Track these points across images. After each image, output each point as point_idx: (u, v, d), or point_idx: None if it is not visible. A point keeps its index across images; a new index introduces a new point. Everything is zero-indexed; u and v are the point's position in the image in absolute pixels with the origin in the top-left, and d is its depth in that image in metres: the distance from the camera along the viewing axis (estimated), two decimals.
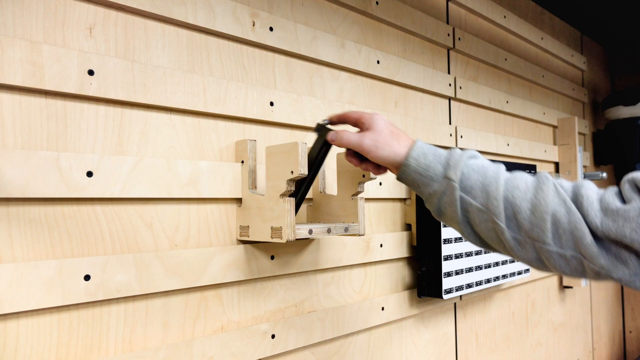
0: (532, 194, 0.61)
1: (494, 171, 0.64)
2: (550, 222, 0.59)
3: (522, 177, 0.63)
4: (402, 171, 0.68)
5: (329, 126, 0.75)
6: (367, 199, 1.03)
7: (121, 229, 0.67)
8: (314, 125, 0.79)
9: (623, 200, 0.57)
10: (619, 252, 0.56)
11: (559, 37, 1.88)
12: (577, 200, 0.58)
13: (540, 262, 0.62)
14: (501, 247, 0.65)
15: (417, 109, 1.20)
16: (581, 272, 0.59)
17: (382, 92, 1.10)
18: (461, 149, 0.70)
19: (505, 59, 1.51)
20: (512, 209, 0.61)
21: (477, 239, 0.67)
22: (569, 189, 0.60)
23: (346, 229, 0.80)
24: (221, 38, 0.81)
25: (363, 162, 0.73)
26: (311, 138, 0.93)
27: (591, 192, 0.58)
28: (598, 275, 0.58)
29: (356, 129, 0.74)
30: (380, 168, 0.74)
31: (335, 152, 0.96)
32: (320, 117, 0.93)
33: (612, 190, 0.59)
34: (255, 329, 0.80)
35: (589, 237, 0.56)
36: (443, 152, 0.67)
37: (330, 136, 0.73)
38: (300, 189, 0.76)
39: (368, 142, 0.69)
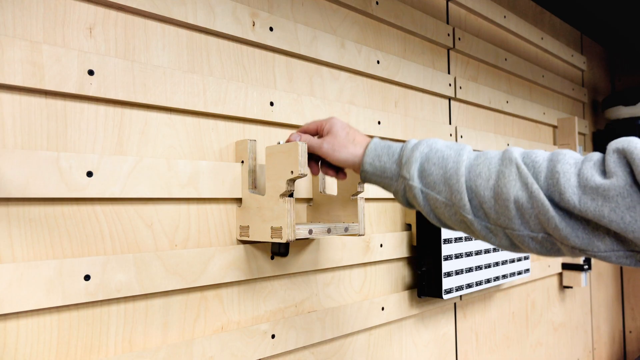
0: (494, 181, 0.58)
1: (455, 160, 0.61)
2: (514, 209, 0.56)
3: (486, 160, 0.60)
4: (362, 176, 0.69)
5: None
6: (367, 199, 1.03)
7: (121, 229, 0.67)
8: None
9: (604, 172, 0.52)
10: (596, 230, 0.53)
11: (559, 37, 1.88)
12: (552, 177, 0.54)
13: (514, 246, 0.60)
14: (475, 236, 0.63)
15: (417, 109, 1.20)
16: (556, 251, 0.58)
17: (382, 92, 1.10)
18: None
19: (505, 59, 1.51)
20: (477, 200, 0.59)
21: (450, 229, 0.65)
22: (542, 164, 0.56)
23: (346, 229, 0.80)
24: (221, 38, 0.81)
25: (323, 166, 0.76)
26: None
27: (568, 165, 0.54)
28: (573, 252, 0.56)
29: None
30: (339, 172, 0.75)
31: None
32: (320, 117, 0.93)
33: (593, 159, 0.54)
34: (255, 329, 0.80)
35: (556, 219, 0.54)
36: (397, 149, 0.66)
37: (292, 137, 0.75)
38: None
39: (326, 145, 0.70)
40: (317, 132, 0.75)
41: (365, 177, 0.68)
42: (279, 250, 0.79)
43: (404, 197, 0.65)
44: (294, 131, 0.79)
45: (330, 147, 0.70)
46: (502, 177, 0.57)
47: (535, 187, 0.55)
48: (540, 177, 0.55)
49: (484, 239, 0.62)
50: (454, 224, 0.63)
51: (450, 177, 0.60)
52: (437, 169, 0.61)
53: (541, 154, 0.57)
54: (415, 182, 0.62)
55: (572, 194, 0.52)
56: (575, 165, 0.54)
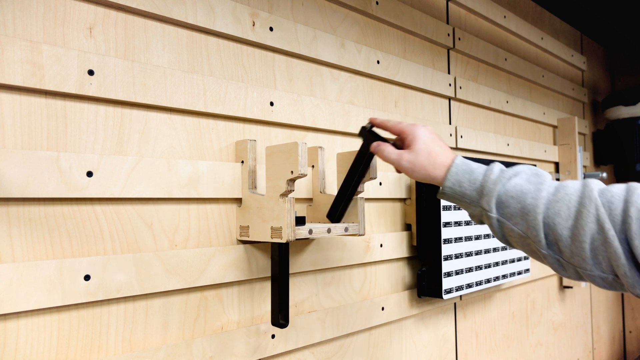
0: (572, 221, 0.60)
1: (533, 197, 0.63)
2: (589, 251, 0.59)
3: (565, 197, 0.61)
4: (440, 195, 0.71)
5: (375, 129, 0.79)
6: (367, 199, 1.03)
7: (121, 229, 0.67)
8: (358, 129, 0.83)
9: None
10: None
11: (559, 37, 1.88)
12: (625, 221, 0.56)
13: (581, 279, 0.63)
14: (544, 263, 0.66)
15: (417, 109, 1.20)
16: (624, 289, 0.60)
17: (382, 92, 1.10)
18: (503, 163, 0.72)
19: (505, 59, 1.51)
20: (553, 236, 0.61)
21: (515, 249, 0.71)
22: (619, 206, 0.58)
23: (346, 229, 0.80)
24: (221, 38, 0.81)
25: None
26: (311, 138, 0.93)
27: None
28: (638, 295, 0.59)
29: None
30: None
31: (335, 152, 0.96)
32: (320, 117, 0.93)
33: None
34: (255, 329, 0.80)
35: (626, 267, 0.56)
36: (479, 176, 0.68)
37: (372, 146, 0.77)
38: (345, 193, 0.81)
39: (405, 164, 0.72)
40: (399, 135, 0.76)
41: (443, 197, 0.71)
42: (279, 321, 0.77)
43: (479, 221, 0.69)
44: (375, 117, 0.79)
45: (410, 167, 0.71)
46: (581, 218, 0.59)
47: (612, 233, 0.57)
48: (616, 221, 0.57)
49: (553, 269, 0.64)
50: (524, 251, 0.66)
51: (529, 213, 0.62)
52: (515, 202, 0.64)
53: (618, 192, 0.59)
54: (493, 213, 0.66)
55: (639, 243, 0.55)
56: None
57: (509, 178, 0.66)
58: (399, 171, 0.76)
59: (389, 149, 0.74)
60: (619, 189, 0.59)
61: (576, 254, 0.59)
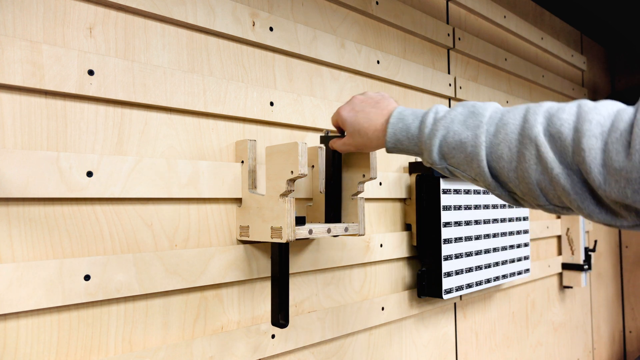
0: (516, 163, 0.59)
1: (473, 144, 0.62)
2: (537, 190, 0.58)
3: (506, 138, 0.60)
4: (389, 152, 0.71)
5: (330, 133, 0.83)
6: (367, 199, 1.03)
7: (121, 229, 0.67)
8: (320, 133, 0.86)
9: (629, 146, 0.50)
10: (619, 209, 0.53)
11: (559, 37, 1.88)
12: (579, 154, 0.53)
13: (544, 209, 0.61)
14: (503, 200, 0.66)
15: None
16: (587, 216, 0.58)
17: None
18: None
19: (505, 59, 1.51)
20: (501, 179, 0.61)
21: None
22: (568, 136, 0.54)
23: (346, 229, 0.80)
24: (221, 38, 0.81)
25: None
26: (311, 138, 0.93)
27: (594, 140, 0.52)
28: (599, 221, 0.57)
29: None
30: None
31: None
32: (320, 117, 0.93)
33: (620, 128, 0.51)
34: (255, 329, 0.80)
35: (578, 201, 0.55)
36: (415, 131, 0.67)
37: (330, 145, 0.80)
38: (330, 197, 0.84)
39: (348, 147, 0.75)
40: (336, 126, 0.79)
41: (391, 151, 0.70)
42: (279, 321, 0.77)
43: (431, 165, 0.68)
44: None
45: (354, 146, 0.74)
46: (523, 160, 0.58)
47: (556, 171, 0.55)
48: (567, 153, 0.54)
49: (512, 204, 0.65)
50: (484, 188, 0.66)
51: (472, 161, 0.62)
52: (458, 152, 0.63)
53: (567, 118, 0.55)
54: (439, 164, 0.65)
55: (597, 173, 0.52)
56: (602, 137, 0.52)
57: (445, 128, 0.64)
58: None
59: (337, 142, 0.78)
60: (568, 113, 0.56)
61: (527, 193, 0.59)
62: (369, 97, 0.74)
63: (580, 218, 1.71)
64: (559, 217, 1.76)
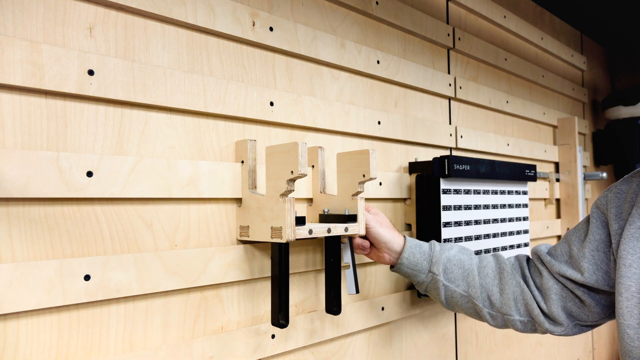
0: (498, 280, 0.87)
1: (469, 264, 0.88)
2: (512, 300, 0.85)
3: (488, 265, 0.89)
4: (398, 267, 0.89)
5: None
6: (367, 199, 1.03)
7: (121, 229, 0.67)
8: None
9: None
10: (554, 320, 0.84)
11: (559, 37, 1.88)
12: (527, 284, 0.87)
13: (505, 326, 0.88)
14: (476, 318, 0.90)
15: (417, 109, 1.20)
16: (533, 330, 0.87)
17: (382, 92, 1.10)
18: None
19: (505, 59, 1.51)
20: (486, 293, 0.87)
21: (454, 311, 0.93)
22: (521, 270, 0.90)
23: (346, 229, 0.80)
24: (221, 38, 0.81)
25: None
26: (311, 138, 0.93)
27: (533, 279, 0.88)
28: (544, 332, 0.85)
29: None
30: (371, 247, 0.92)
31: (335, 152, 0.96)
32: (320, 117, 0.93)
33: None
34: (255, 329, 0.80)
35: (536, 310, 0.84)
36: (427, 249, 0.89)
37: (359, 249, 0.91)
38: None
39: (371, 221, 0.88)
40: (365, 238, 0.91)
41: (399, 268, 0.89)
42: (279, 321, 0.77)
43: (426, 287, 0.89)
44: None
45: (377, 223, 0.87)
46: (503, 277, 0.88)
47: (524, 285, 0.87)
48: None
49: (485, 320, 0.89)
50: (462, 309, 0.89)
51: (468, 275, 0.87)
52: (457, 269, 0.88)
53: (520, 259, 0.93)
54: (442, 278, 0.87)
55: (539, 302, 0.86)
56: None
57: (448, 250, 0.89)
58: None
59: (370, 253, 0.92)
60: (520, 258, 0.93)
61: (504, 304, 0.86)
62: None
63: (581, 218, 1.71)
64: (559, 217, 1.76)
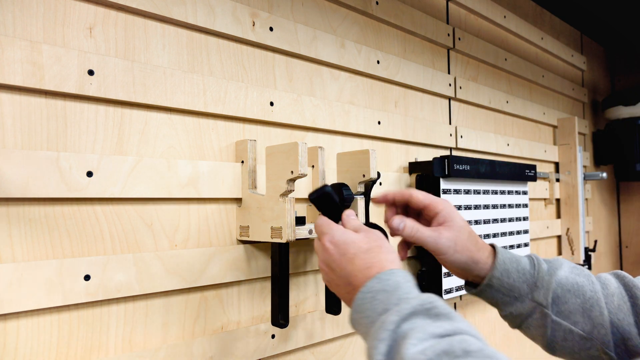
0: (632, 316, 0.54)
1: (591, 289, 0.55)
2: None
3: (615, 291, 0.56)
4: (482, 290, 0.60)
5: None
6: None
7: (121, 229, 0.67)
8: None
9: None
10: None
11: (559, 37, 1.87)
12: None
13: None
14: None
15: (417, 109, 1.20)
16: None
17: (382, 92, 1.10)
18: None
19: (505, 59, 1.51)
20: (620, 335, 0.53)
21: (560, 357, 0.59)
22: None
23: None
24: (221, 38, 0.81)
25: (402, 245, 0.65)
26: (311, 138, 0.93)
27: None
28: None
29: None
30: (408, 247, 0.65)
31: (335, 152, 0.96)
32: (320, 117, 0.93)
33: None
34: (255, 329, 0.80)
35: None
36: (527, 266, 0.59)
37: (394, 224, 0.61)
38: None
39: (445, 241, 0.58)
40: (417, 210, 0.63)
41: (484, 292, 0.60)
42: (279, 321, 0.76)
43: (524, 320, 0.59)
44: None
45: (452, 246, 0.58)
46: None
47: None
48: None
49: None
50: (578, 356, 0.57)
51: (592, 308, 0.55)
52: (574, 297, 0.56)
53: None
54: (551, 310, 0.57)
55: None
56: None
57: (556, 270, 0.58)
58: (402, 252, 0.64)
59: (417, 226, 0.60)
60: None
61: None
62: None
63: (581, 218, 1.71)
64: (559, 217, 1.76)
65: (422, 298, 0.44)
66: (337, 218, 0.59)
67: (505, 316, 0.61)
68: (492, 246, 0.62)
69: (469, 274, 0.61)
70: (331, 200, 0.58)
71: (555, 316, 0.57)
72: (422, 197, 0.62)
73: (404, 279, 0.47)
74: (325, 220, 0.57)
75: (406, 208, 0.65)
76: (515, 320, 0.61)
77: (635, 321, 0.53)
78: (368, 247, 0.52)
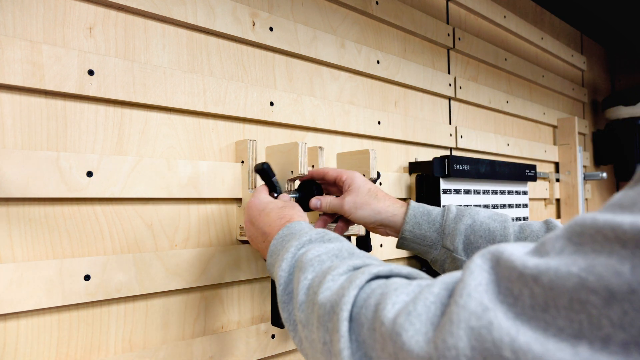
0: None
1: (502, 234, 0.62)
2: None
3: (536, 229, 0.62)
4: (401, 243, 0.68)
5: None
6: None
7: (121, 229, 0.67)
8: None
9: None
10: None
11: (559, 37, 1.87)
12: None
13: None
14: None
15: (417, 109, 1.20)
16: None
17: (382, 92, 1.10)
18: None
19: (505, 59, 1.51)
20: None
21: None
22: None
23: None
24: (221, 38, 0.80)
25: (341, 222, 0.74)
26: (311, 138, 0.93)
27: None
28: None
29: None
30: (349, 223, 0.74)
31: (335, 152, 0.96)
32: (320, 117, 0.93)
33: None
34: (255, 329, 0.80)
35: None
36: (437, 217, 0.66)
37: (312, 204, 0.71)
38: None
39: (347, 205, 0.68)
40: (334, 181, 0.72)
41: (403, 244, 0.68)
42: (279, 321, 0.76)
43: (442, 266, 0.65)
44: (310, 169, 0.73)
45: (353, 206, 0.68)
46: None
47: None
48: None
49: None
50: None
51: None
52: (485, 242, 0.62)
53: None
54: (461, 255, 0.63)
55: None
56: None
57: (471, 217, 0.64)
58: (327, 218, 0.73)
59: (328, 199, 0.71)
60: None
61: None
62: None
63: None
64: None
65: (318, 231, 0.52)
66: (271, 189, 0.69)
67: (430, 263, 0.68)
68: (407, 202, 0.70)
69: (389, 229, 0.68)
70: (266, 175, 0.69)
71: (467, 259, 0.61)
72: (331, 171, 0.72)
73: (308, 227, 0.55)
74: (259, 187, 0.69)
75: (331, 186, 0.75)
76: (437, 266, 0.67)
77: None
78: (282, 205, 0.61)
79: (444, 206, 0.68)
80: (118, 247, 0.67)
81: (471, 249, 0.63)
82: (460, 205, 0.68)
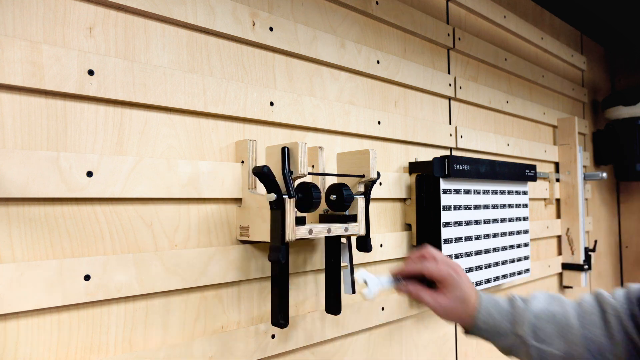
0: (604, 330, 0.64)
1: (561, 314, 0.68)
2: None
3: (591, 309, 0.67)
4: (471, 332, 0.73)
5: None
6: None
7: (121, 229, 0.67)
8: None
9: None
10: None
11: (559, 37, 1.88)
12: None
13: None
14: None
15: (417, 109, 1.20)
16: None
17: (382, 92, 1.10)
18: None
19: (505, 59, 1.51)
20: (596, 347, 0.63)
21: None
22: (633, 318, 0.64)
23: (346, 229, 0.80)
24: (221, 38, 0.81)
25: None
26: (311, 138, 0.93)
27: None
28: None
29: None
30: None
31: (335, 152, 0.96)
32: (320, 117, 0.93)
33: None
34: (255, 329, 0.80)
35: None
36: (505, 306, 0.71)
37: (411, 293, 0.75)
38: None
39: (439, 307, 0.73)
40: (420, 274, 0.75)
41: (475, 333, 0.73)
42: (279, 321, 0.77)
43: (514, 352, 0.70)
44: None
45: (444, 312, 0.73)
46: (609, 326, 0.65)
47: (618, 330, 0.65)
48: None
49: None
50: None
51: (564, 329, 0.66)
52: (548, 324, 0.68)
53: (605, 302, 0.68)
54: (530, 339, 0.68)
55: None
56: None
57: (532, 301, 0.71)
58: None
59: (417, 290, 0.75)
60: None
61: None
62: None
63: (581, 218, 1.71)
64: (559, 217, 1.76)
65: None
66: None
67: (498, 348, 0.73)
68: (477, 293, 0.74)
69: (460, 323, 0.74)
70: (267, 178, 0.70)
71: (537, 343, 0.68)
72: (432, 270, 0.74)
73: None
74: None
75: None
76: (506, 351, 0.72)
77: (605, 333, 0.64)
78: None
79: (507, 296, 0.73)
80: (118, 247, 0.67)
81: (537, 332, 0.68)
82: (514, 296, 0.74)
